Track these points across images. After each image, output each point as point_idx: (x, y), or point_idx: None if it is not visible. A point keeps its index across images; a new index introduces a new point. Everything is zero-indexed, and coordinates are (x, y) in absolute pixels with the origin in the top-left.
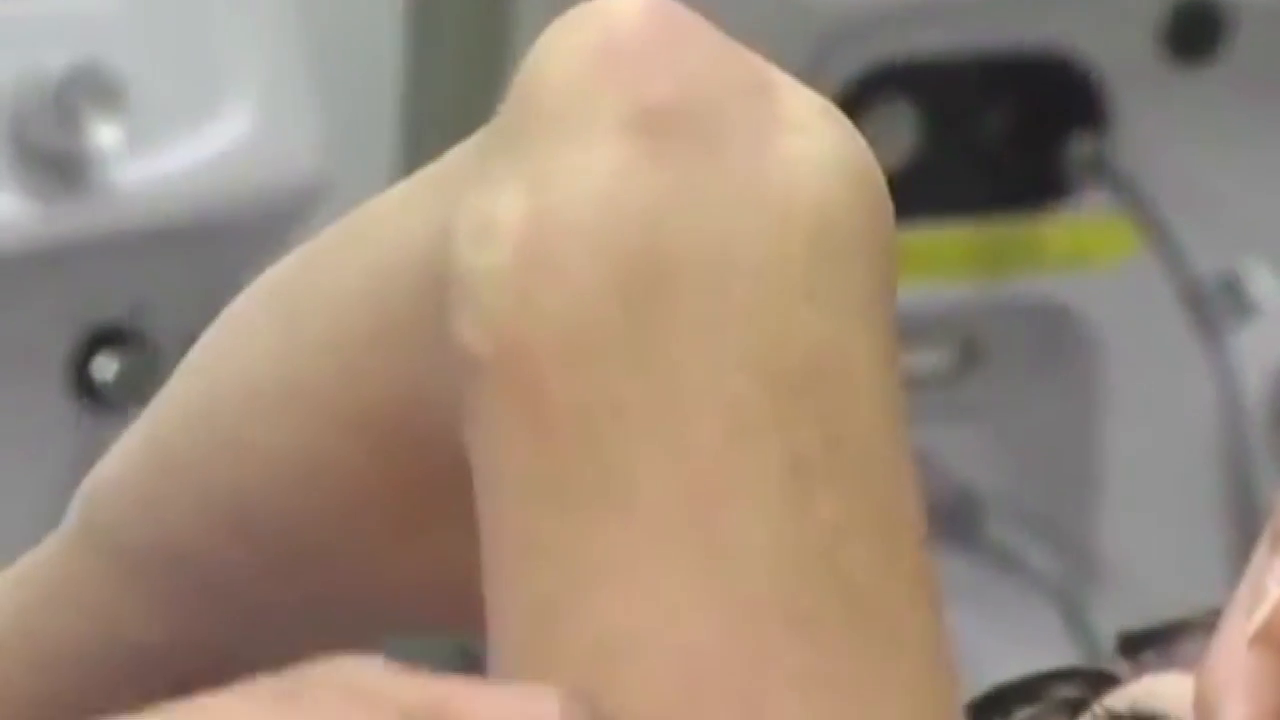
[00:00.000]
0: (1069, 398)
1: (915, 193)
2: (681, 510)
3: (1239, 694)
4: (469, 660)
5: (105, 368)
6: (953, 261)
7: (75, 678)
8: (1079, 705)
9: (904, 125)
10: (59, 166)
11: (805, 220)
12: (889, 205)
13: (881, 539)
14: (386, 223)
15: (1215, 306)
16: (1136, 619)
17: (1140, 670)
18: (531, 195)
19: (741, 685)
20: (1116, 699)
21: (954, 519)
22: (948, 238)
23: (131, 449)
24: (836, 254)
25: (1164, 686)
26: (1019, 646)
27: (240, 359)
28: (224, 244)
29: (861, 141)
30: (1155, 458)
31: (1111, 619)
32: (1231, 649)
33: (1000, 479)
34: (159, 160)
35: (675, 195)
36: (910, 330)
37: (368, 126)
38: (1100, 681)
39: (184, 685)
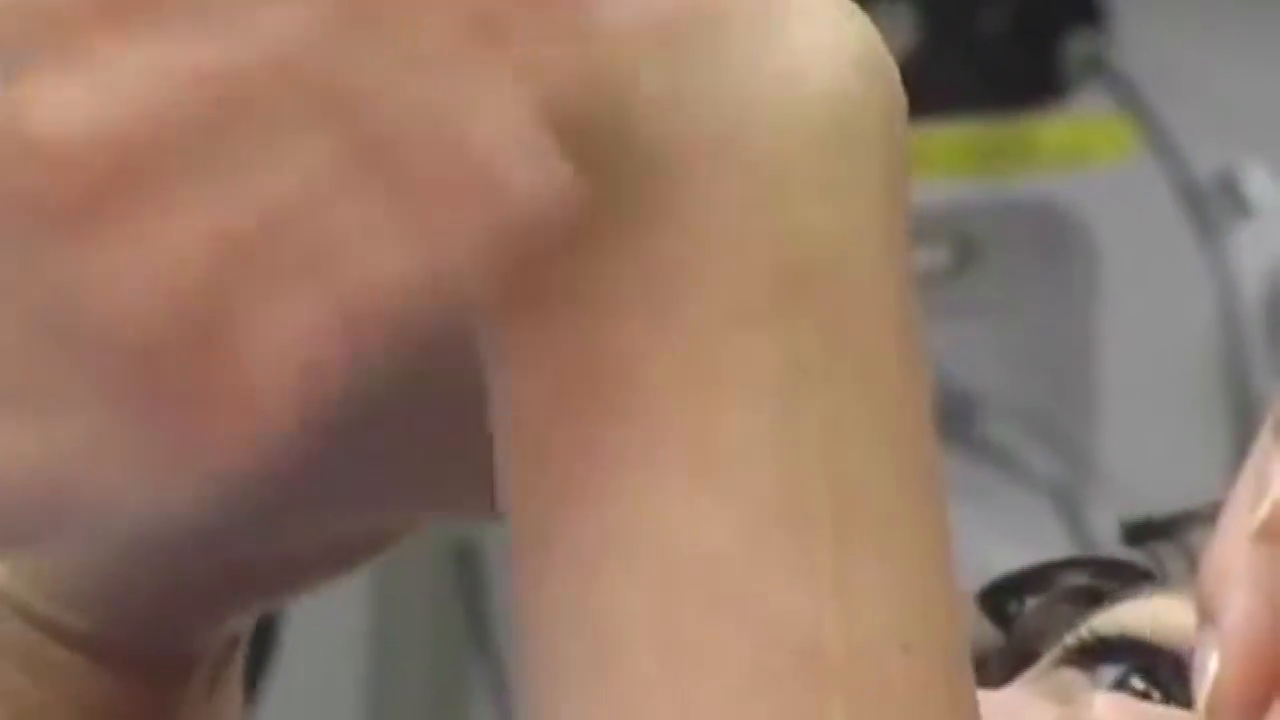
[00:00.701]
0: (1066, 297)
1: (913, 91)
2: (675, 403)
3: (1242, 587)
4: (466, 558)
5: None
6: (950, 160)
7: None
8: (1088, 593)
9: (902, 23)
10: None
11: (816, 113)
12: (902, 98)
13: (881, 439)
14: None
15: (1212, 206)
16: (1130, 516)
17: (1154, 559)
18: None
19: (735, 583)
20: (1105, 621)
21: (950, 418)
22: (945, 136)
23: None
24: (848, 148)
25: (1153, 609)
26: (1016, 544)
27: None
28: None
29: (874, 31)
30: (1152, 356)
31: (1108, 518)
32: (1233, 542)
33: (997, 377)
34: None
35: (686, 87)
36: (908, 229)
37: None
38: (1110, 570)
39: (247, 569)
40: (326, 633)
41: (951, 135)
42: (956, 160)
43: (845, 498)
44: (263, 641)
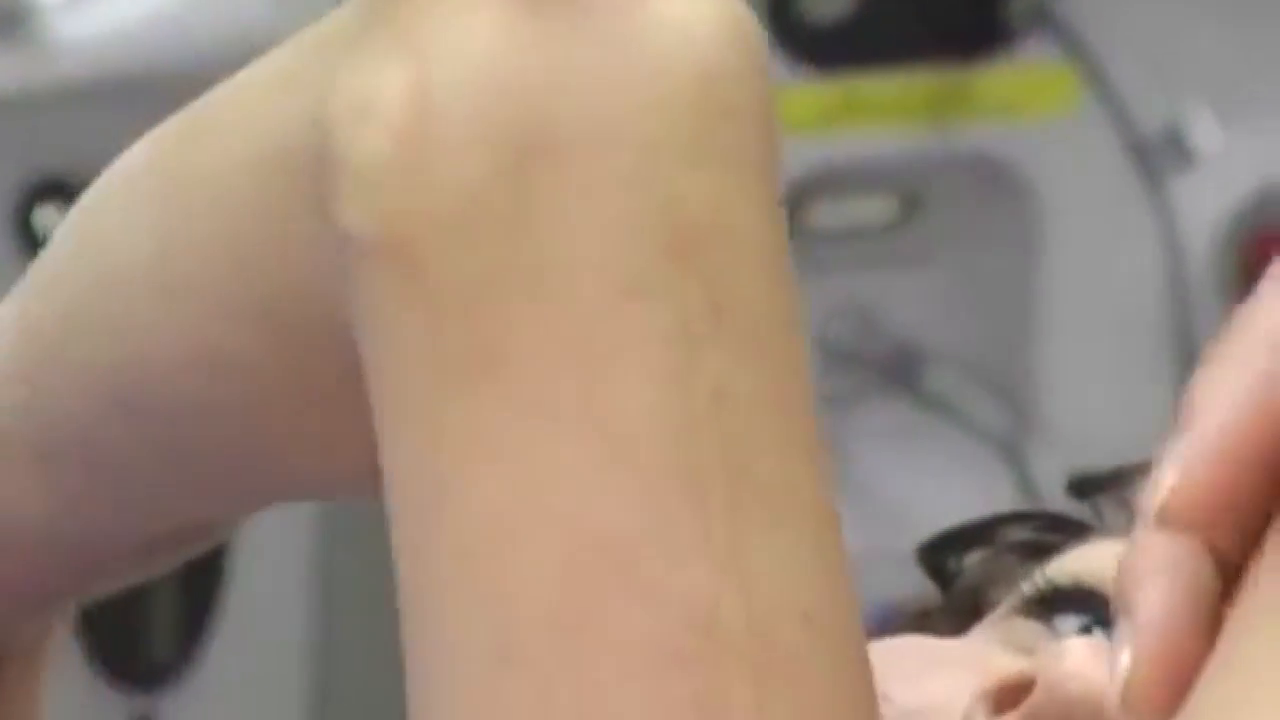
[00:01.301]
0: (1011, 248)
1: (856, 42)
2: (567, 379)
3: (1152, 579)
4: None
5: (48, 219)
6: (894, 111)
7: None
8: (1032, 548)
9: None
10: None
11: (687, 85)
12: (765, 66)
13: (768, 404)
14: (262, 100)
15: (1157, 156)
16: (1077, 469)
17: (1095, 512)
18: (411, 71)
19: (633, 559)
20: (1057, 570)
21: (895, 368)
22: (889, 87)
23: (4, 332)
24: (720, 118)
25: (1102, 557)
26: (960, 495)
27: (118, 246)
28: (168, 96)
29: (740, 2)
30: (1097, 307)
31: (1053, 467)
32: (1144, 531)
33: (942, 328)
34: (101, 11)
35: (557, 65)
36: (851, 180)
37: None
38: (1052, 524)
39: (74, 563)
40: (271, 583)
41: (895, 86)
42: (900, 111)
43: (737, 467)
44: (206, 594)
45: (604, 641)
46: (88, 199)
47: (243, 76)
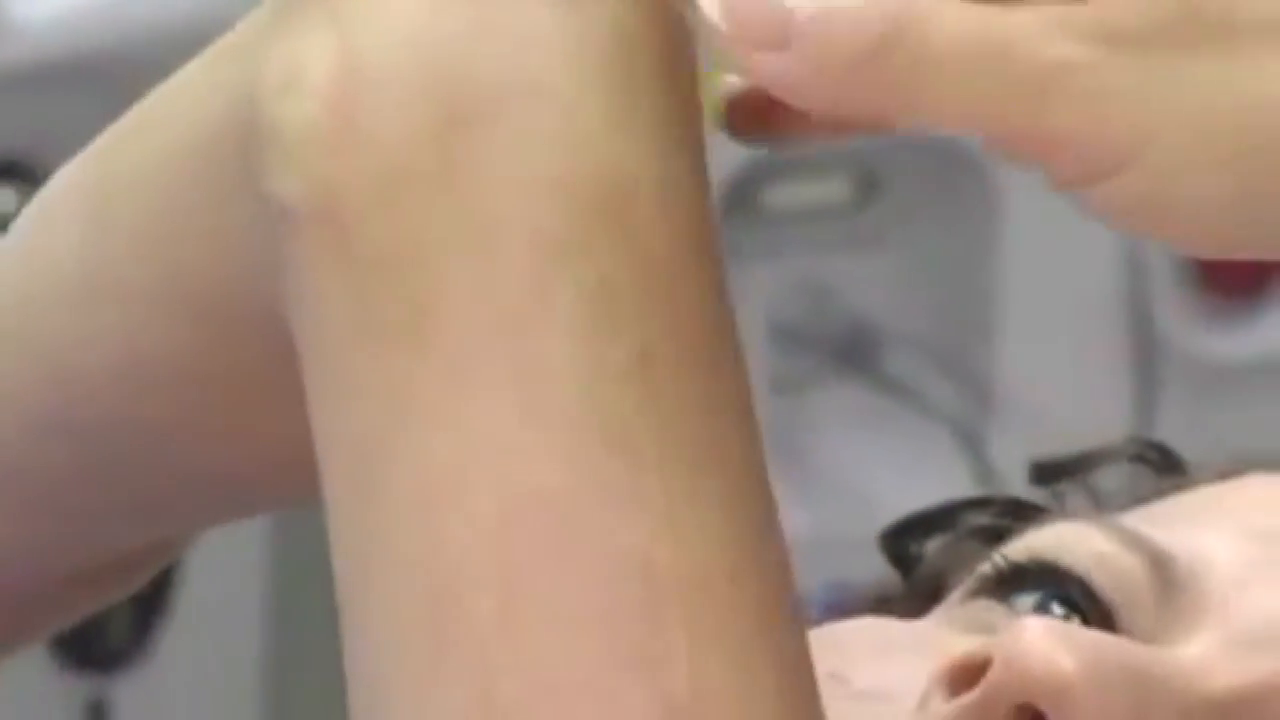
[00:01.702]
0: (969, 229)
1: None
2: (492, 340)
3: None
4: None
5: (5, 200)
6: None
7: None
8: (992, 533)
9: None
10: None
11: (605, 44)
12: (684, 25)
13: (690, 359)
14: (190, 94)
15: None
16: (1035, 451)
17: (1057, 498)
18: (335, 39)
19: (560, 508)
20: (1015, 549)
21: (852, 351)
22: None
23: None
24: (638, 78)
25: (1060, 535)
26: (917, 478)
27: (48, 257)
28: (129, 79)
29: None
30: (1054, 289)
31: (1009, 450)
32: None
33: (899, 310)
34: None
35: (479, 27)
36: (809, 161)
37: None
38: (1014, 510)
39: (15, 593)
40: (225, 567)
41: None
42: None
43: (665, 425)
44: (157, 592)
45: (540, 595)
46: (15, 225)
47: (170, 80)
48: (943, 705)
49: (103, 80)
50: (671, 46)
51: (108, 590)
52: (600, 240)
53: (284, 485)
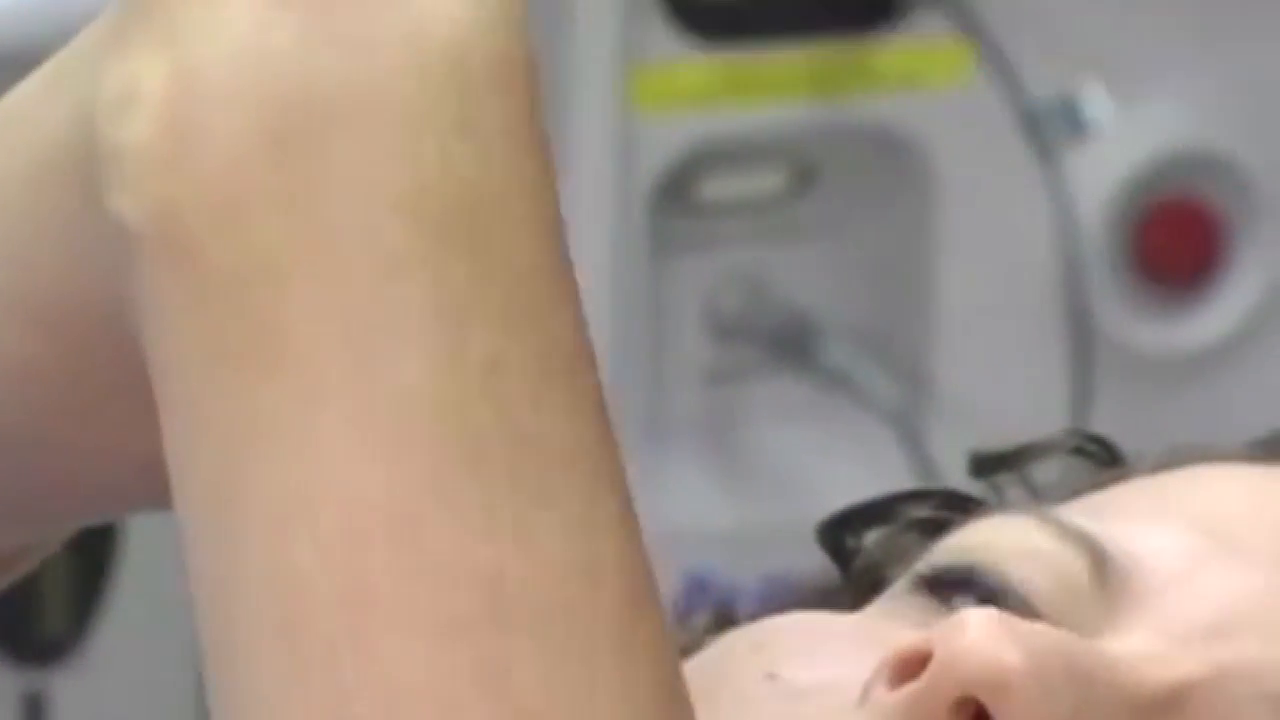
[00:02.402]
0: (905, 220)
1: (748, 14)
2: (338, 360)
3: None
4: None
5: None
6: (786, 84)
7: None
8: (932, 526)
9: None
10: None
11: (442, 51)
12: (525, 29)
13: (540, 371)
14: (31, 111)
15: (1050, 129)
16: (972, 443)
17: (996, 490)
18: (170, 57)
19: (415, 533)
20: (950, 544)
21: (788, 342)
22: (780, 60)
23: None
24: (479, 84)
25: (996, 529)
26: (856, 470)
27: None
28: None
29: None
30: (991, 280)
31: (948, 441)
32: None
33: (835, 301)
34: None
35: (313, 39)
36: (744, 153)
37: None
38: (952, 502)
39: None
40: (164, 558)
41: (788, 58)
42: (793, 83)
43: (515, 437)
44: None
45: (388, 611)
46: None
47: (11, 94)
48: (885, 696)
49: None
50: (511, 48)
51: None
52: (446, 252)
53: (149, 492)
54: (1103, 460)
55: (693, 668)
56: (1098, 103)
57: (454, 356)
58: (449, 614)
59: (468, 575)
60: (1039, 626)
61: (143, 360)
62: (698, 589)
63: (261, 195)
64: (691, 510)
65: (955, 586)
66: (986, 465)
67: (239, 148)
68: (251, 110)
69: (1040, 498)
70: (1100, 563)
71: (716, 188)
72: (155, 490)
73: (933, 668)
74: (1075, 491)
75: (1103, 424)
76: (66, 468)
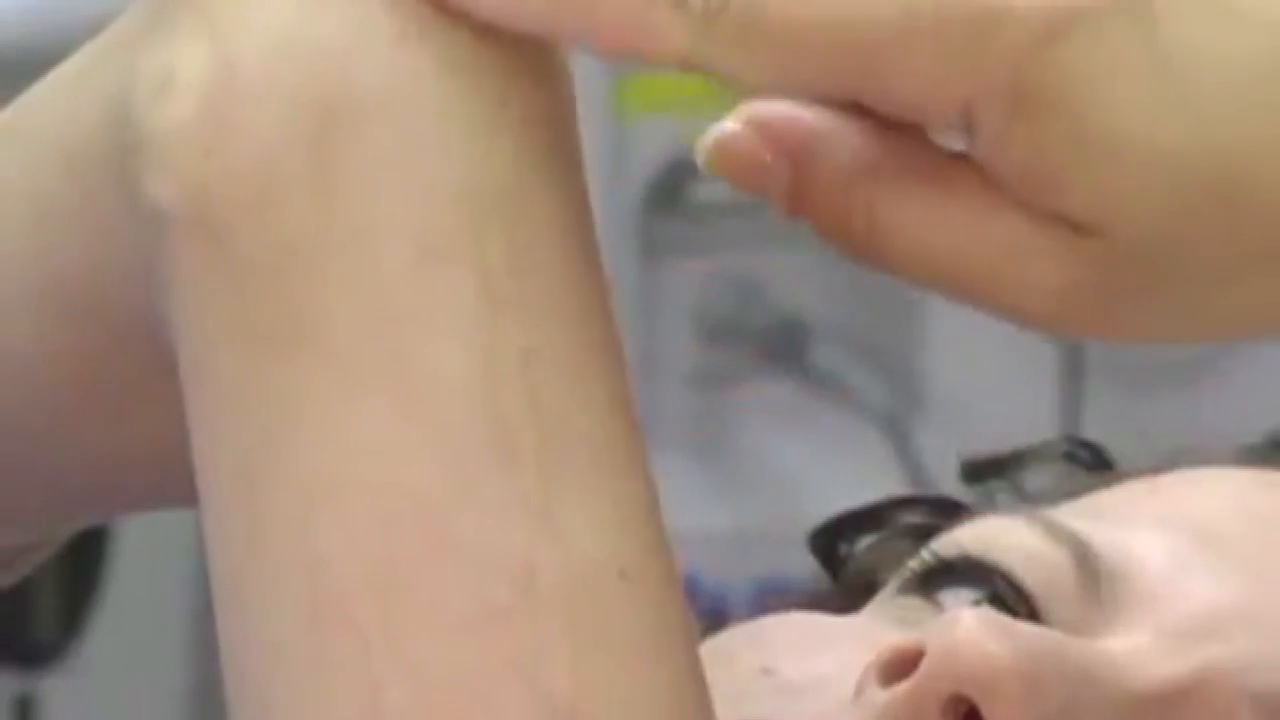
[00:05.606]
0: None
1: None
2: (373, 344)
3: None
4: None
5: None
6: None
7: None
8: (923, 532)
9: None
10: None
11: (474, 46)
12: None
13: (576, 364)
14: (63, 97)
15: None
16: (961, 447)
17: (988, 496)
18: (210, 43)
19: (446, 521)
20: (942, 545)
21: (780, 345)
22: None
23: None
24: (509, 78)
25: (987, 530)
26: (846, 472)
27: None
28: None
29: None
30: None
31: (937, 447)
32: None
33: (826, 305)
34: None
35: (353, 30)
36: None
37: None
38: (944, 509)
39: None
40: (153, 563)
41: None
42: None
43: (548, 425)
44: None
45: (419, 599)
46: None
47: (44, 82)
48: (878, 694)
49: (22, 82)
50: (540, 46)
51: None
52: (480, 242)
53: (160, 489)
54: (1093, 465)
55: None
56: None
57: (489, 347)
58: (480, 604)
59: (499, 565)
60: (1030, 626)
61: (165, 356)
62: (688, 591)
63: (298, 182)
64: (681, 512)
65: (946, 583)
66: (978, 471)
67: (277, 135)
68: (290, 99)
69: (1031, 504)
70: (1090, 562)
71: (707, 191)
72: (162, 488)
73: (925, 666)
74: (1066, 496)
75: (1091, 428)
76: (82, 464)
